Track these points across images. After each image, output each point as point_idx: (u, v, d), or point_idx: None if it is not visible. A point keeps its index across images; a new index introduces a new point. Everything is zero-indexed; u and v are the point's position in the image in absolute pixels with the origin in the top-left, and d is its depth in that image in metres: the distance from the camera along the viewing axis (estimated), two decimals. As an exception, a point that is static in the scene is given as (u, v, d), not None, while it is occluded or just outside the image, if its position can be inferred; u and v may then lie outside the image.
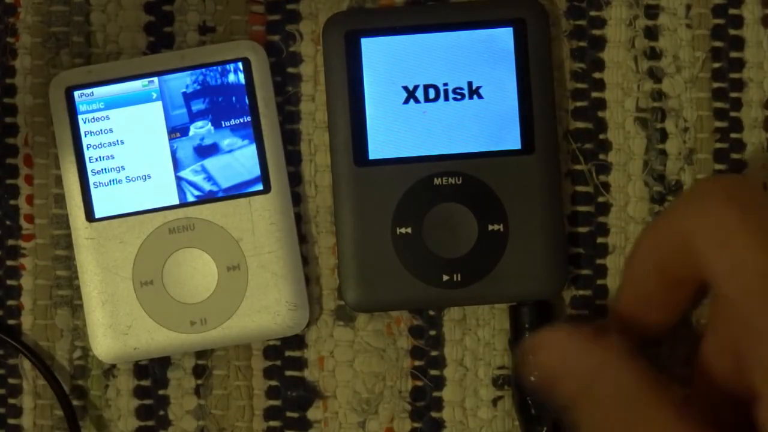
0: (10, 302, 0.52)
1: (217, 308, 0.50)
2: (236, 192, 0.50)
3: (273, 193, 0.50)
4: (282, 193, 0.50)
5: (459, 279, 0.49)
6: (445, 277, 0.50)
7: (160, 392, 0.52)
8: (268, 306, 0.50)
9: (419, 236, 0.49)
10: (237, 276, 0.50)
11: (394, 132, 0.50)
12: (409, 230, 0.50)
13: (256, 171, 0.50)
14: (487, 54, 0.50)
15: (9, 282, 0.52)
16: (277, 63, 0.52)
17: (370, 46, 0.50)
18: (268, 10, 0.52)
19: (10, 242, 0.52)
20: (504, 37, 0.50)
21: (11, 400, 0.52)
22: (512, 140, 0.50)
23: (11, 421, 0.52)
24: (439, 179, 0.50)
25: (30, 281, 0.52)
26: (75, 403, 0.52)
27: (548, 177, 0.50)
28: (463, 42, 0.50)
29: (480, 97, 0.50)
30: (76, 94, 0.51)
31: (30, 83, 0.52)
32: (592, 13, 0.52)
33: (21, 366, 0.52)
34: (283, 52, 0.52)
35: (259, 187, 0.50)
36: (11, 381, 0.52)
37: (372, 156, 0.50)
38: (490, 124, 0.50)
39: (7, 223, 0.52)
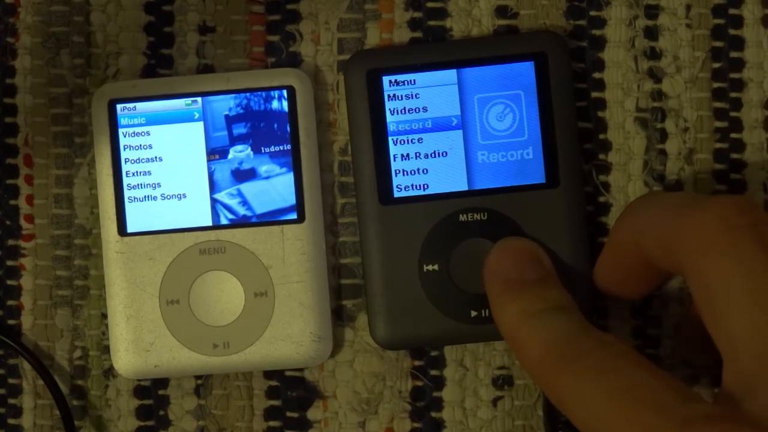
0: (10, 302, 0.52)
1: (241, 333, 0.50)
2: (270, 219, 0.50)
3: (307, 223, 0.50)
4: (315, 223, 0.50)
5: (487, 314, 0.49)
6: (474, 313, 0.50)
7: (160, 392, 0.52)
8: (291, 335, 0.50)
9: (446, 273, 0.49)
10: (263, 303, 0.50)
11: (418, 170, 0.50)
12: (436, 267, 0.50)
13: (292, 200, 0.50)
14: (509, 89, 0.50)
15: (9, 282, 0.52)
16: (278, 64, 0.52)
17: (392, 84, 0.50)
18: (268, 10, 0.52)
19: (10, 242, 0.52)
20: (526, 71, 0.50)
21: (11, 400, 0.52)
22: (536, 174, 0.50)
23: (11, 421, 0.52)
24: (465, 215, 0.50)
25: (30, 281, 0.52)
26: (75, 403, 0.52)
27: (573, 210, 0.49)
28: (484, 77, 0.50)
29: (503, 131, 0.50)
30: (119, 107, 0.51)
31: (30, 83, 0.52)
32: (592, 13, 0.52)
33: (21, 366, 0.52)
34: (283, 52, 0.52)
35: (294, 216, 0.50)
36: (11, 381, 0.52)
37: (397, 194, 0.50)
38: (514, 159, 0.50)
39: (7, 223, 0.52)
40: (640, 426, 0.37)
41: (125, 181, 0.51)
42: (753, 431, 0.35)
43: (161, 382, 0.52)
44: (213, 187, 0.51)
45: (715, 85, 0.51)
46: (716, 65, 0.51)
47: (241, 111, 0.51)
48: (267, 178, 0.51)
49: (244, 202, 0.50)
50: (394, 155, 0.50)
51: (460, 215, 0.50)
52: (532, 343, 0.42)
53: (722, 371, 0.39)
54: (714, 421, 0.36)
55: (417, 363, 0.51)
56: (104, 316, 0.51)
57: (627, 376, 0.39)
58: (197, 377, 0.52)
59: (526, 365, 0.43)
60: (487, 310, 0.49)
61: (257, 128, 0.51)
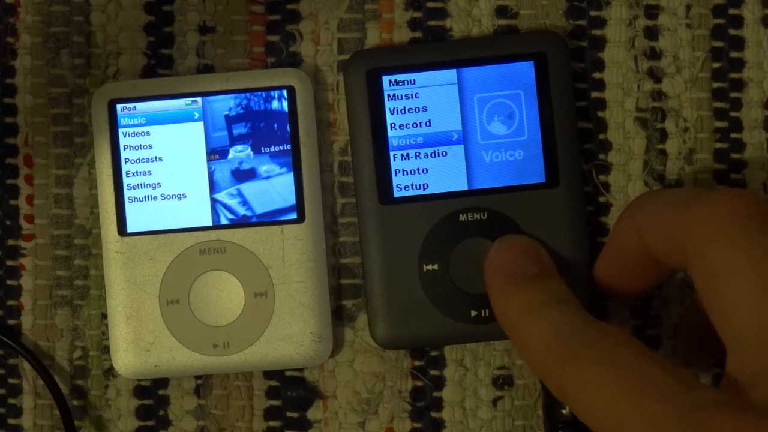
0: (10, 302, 0.52)
1: (241, 333, 0.50)
2: (270, 219, 0.50)
3: (307, 223, 0.50)
4: (315, 223, 0.50)
5: (487, 314, 0.49)
6: (473, 313, 0.49)
7: (160, 392, 0.52)
8: (291, 335, 0.50)
9: (446, 272, 0.49)
10: (263, 303, 0.50)
11: (418, 169, 0.50)
12: (436, 267, 0.50)
13: (292, 200, 0.50)
14: (509, 89, 0.50)
15: (9, 282, 0.52)
16: (278, 64, 0.52)
17: (392, 84, 0.50)
18: (268, 10, 0.52)
19: (10, 242, 0.52)
20: (525, 71, 0.50)
21: (11, 400, 0.52)
22: (536, 174, 0.50)
23: (11, 421, 0.52)
24: (465, 215, 0.50)
25: (30, 281, 0.52)
26: (75, 403, 0.52)
27: (573, 210, 0.50)
28: (484, 77, 0.50)
29: (502, 131, 0.50)
30: (119, 107, 0.51)
31: (30, 83, 0.52)
32: (592, 13, 0.52)
33: (21, 366, 0.52)
34: (283, 52, 0.52)
35: (294, 216, 0.50)
36: (11, 381, 0.52)
37: (397, 194, 0.50)
38: (514, 159, 0.50)
39: (7, 223, 0.52)
40: (648, 415, 0.37)
41: (125, 181, 0.51)
42: (757, 419, 0.36)
43: (161, 382, 0.52)
44: (213, 187, 0.51)
45: (715, 85, 0.51)
46: (716, 65, 0.51)
47: (241, 111, 0.51)
48: (267, 178, 0.51)
49: (244, 202, 0.50)
50: (393, 155, 0.50)
51: (460, 215, 0.50)
52: (535, 335, 0.42)
53: (726, 360, 0.39)
54: (721, 407, 0.36)
55: (417, 363, 0.51)
56: (104, 316, 0.51)
57: (632, 366, 0.39)
58: (197, 377, 0.52)
59: (528, 358, 0.43)
60: (486, 310, 0.49)
61: (257, 128, 0.51)
